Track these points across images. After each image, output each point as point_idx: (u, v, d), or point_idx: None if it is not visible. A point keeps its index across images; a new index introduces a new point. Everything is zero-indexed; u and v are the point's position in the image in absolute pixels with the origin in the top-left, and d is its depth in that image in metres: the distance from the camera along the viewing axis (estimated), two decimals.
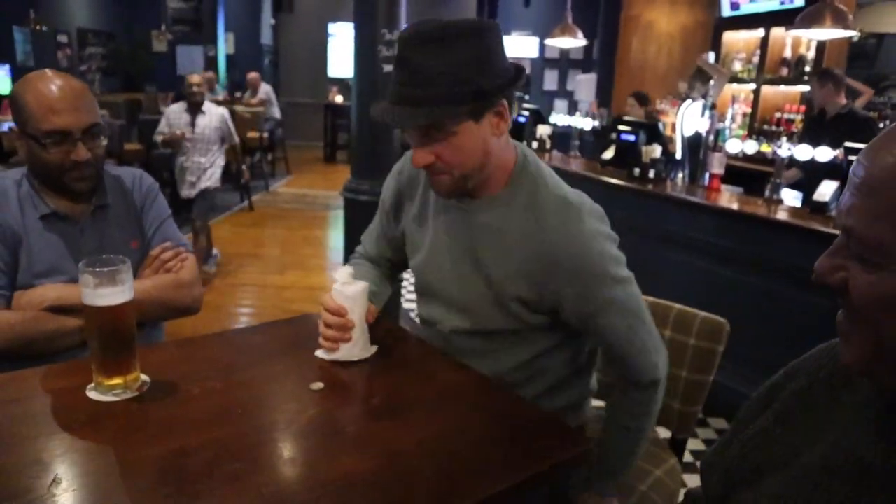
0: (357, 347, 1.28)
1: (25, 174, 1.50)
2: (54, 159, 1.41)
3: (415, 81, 1.07)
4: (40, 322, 1.37)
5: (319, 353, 1.29)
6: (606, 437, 1.32)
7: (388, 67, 3.07)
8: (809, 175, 3.65)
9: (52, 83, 1.41)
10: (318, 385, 1.18)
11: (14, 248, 1.43)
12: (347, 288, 1.28)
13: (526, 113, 4.97)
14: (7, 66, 7.40)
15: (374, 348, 1.31)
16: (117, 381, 1.10)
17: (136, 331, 1.15)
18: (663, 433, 1.63)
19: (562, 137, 5.73)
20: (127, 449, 0.96)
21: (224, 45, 10.35)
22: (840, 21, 3.13)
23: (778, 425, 0.76)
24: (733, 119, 5.43)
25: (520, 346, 1.30)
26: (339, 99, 10.90)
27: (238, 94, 9.27)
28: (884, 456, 0.61)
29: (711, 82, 4.06)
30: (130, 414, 1.05)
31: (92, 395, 1.09)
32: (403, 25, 3.12)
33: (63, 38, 9.07)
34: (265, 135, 7.76)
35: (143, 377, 1.15)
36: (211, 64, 10.28)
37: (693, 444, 1.76)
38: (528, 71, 5.55)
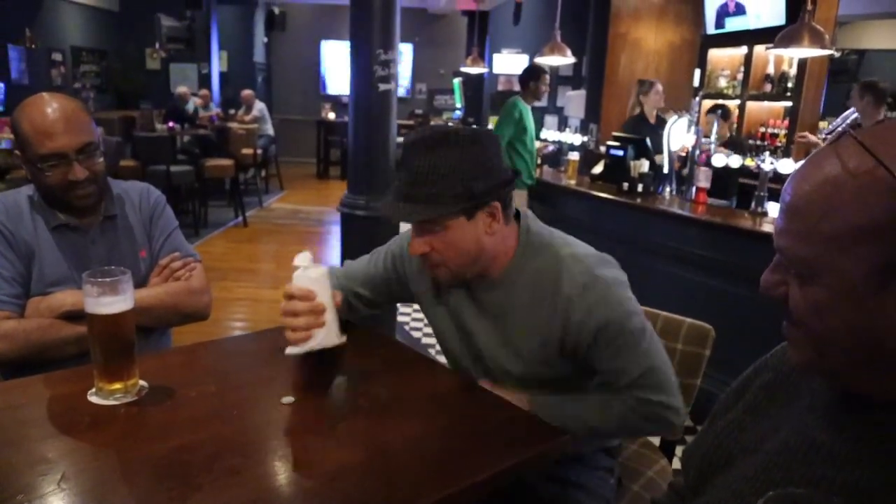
0: (332, 332, 1.19)
1: (36, 189, 1.55)
2: (53, 181, 1.46)
3: (412, 181, 1.17)
4: (55, 329, 1.42)
5: (290, 350, 1.20)
6: (582, 395, 1.29)
7: (384, 86, 3.15)
8: None
9: (46, 107, 1.45)
10: (290, 399, 1.16)
11: (28, 259, 1.48)
12: (311, 271, 1.21)
13: None
14: (2, 85, 7.46)
15: (344, 336, 1.24)
16: (118, 385, 1.14)
17: (146, 337, 1.19)
18: (654, 438, 1.68)
19: (552, 153, 5.80)
20: (130, 448, 1.00)
21: (217, 63, 10.42)
22: (818, 41, 3.20)
23: (747, 415, 0.82)
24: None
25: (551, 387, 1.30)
26: (331, 116, 10.98)
27: (232, 111, 9.34)
28: (832, 437, 0.68)
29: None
30: (131, 416, 1.10)
31: (93, 399, 1.14)
32: (398, 45, 3.20)
33: (57, 57, 9.14)
34: (259, 151, 7.82)
35: (142, 382, 1.19)
36: (204, 81, 10.35)
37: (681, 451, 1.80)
38: (517, 88, 5.50)
